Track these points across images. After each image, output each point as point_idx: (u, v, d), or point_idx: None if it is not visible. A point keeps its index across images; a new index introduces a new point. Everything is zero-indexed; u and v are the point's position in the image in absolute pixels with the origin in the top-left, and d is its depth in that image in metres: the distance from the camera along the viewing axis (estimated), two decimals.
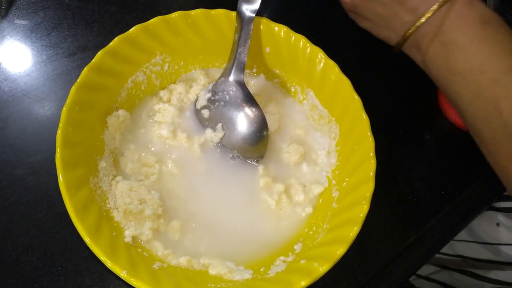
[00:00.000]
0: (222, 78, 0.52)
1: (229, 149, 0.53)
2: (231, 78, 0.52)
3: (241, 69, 0.52)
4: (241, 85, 0.52)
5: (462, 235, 0.74)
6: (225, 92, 0.52)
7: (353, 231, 0.44)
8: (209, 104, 0.53)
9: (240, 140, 0.52)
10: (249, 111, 0.52)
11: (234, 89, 0.52)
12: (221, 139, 0.53)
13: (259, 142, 0.52)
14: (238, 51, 0.51)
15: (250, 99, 0.52)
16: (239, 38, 0.51)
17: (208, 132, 0.53)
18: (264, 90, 0.58)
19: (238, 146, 0.53)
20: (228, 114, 0.52)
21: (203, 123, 0.54)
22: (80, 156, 0.45)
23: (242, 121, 0.52)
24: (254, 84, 0.58)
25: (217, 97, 0.53)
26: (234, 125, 0.52)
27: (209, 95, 0.53)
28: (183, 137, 0.52)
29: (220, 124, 0.53)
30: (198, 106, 0.54)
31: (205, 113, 0.53)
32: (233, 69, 0.52)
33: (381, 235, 0.54)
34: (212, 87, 0.53)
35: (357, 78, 0.52)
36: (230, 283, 0.44)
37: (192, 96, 0.55)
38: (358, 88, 0.51)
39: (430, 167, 0.59)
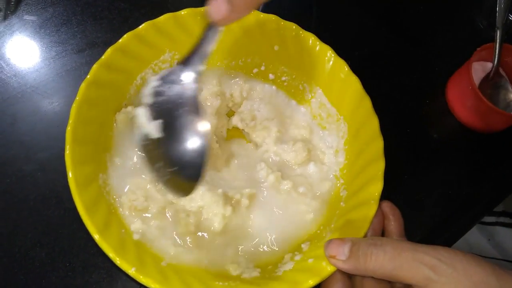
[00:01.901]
0: (177, 67, 0.41)
1: (156, 166, 0.41)
2: (186, 70, 0.40)
3: (201, 59, 0.40)
4: (193, 82, 0.40)
5: (493, 252, 0.74)
6: (172, 86, 0.40)
7: (361, 230, 0.44)
8: (154, 94, 0.41)
9: (173, 155, 0.40)
10: (192, 122, 0.39)
11: (183, 86, 0.40)
12: (159, 142, 0.40)
13: (192, 167, 0.39)
14: (207, 34, 0.39)
15: (196, 108, 0.40)
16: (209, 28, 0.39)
17: (149, 125, 0.40)
18: (266, 95, 0.58)
19: (168, 163, 0.40)
20: (169, 115, 0.40)
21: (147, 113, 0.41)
22: (89, 153, 0.45)
23: (181, 131, 0.40)
24: (254, 88, 0.58)
25: (163, 88, 0.40)
26: (172, 132, 0.40)
27: (156, 83, 0.41)
28: None
29: (159, 122, 0.40)
30: (146, 92, 0.41)
31: (148, 99, 0.41)
32: (193, 58, 0.40)
33: None
34: (165, 75, 0.41)
35: (365, 76, 0.52)
36: (238, 281, 0.44)
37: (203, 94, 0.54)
38: (366, 86, 0.51)
39: (438, 166, 0.59)
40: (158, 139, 0.40)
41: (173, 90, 0.40)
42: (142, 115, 0.40)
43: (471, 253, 0.36)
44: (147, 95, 0.41)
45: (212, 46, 0.39)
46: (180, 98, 0.39)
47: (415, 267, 0.36)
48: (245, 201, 0.49)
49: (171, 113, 0.39)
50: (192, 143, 0.39)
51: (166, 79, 0.40)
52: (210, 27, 0.38)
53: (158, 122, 0.40)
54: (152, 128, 0.40)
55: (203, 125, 0.39)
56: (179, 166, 0.40)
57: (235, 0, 0.31)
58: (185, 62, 0.40)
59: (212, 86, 0.55)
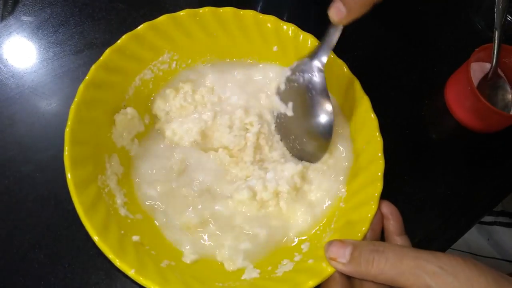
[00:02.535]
0: (306, 59, 0.49)
1: (289, 139, 0.52)
2: (314, 61, 0.48)
3: (327, 51, 0.47)
4: (320, 71, 0.48)
5: (491, 252, 0.74)
6: (302, 74, 0.49)
7: (361, 231, 0.44)
8: (287, 81, 0.51)
9: (304, 130, 0.50)
10: (320, 102, 0.48)
11: (312, 74, 0.48)
12: (287, 119, 0.51)
13: (321, 139, 0.49)
14: (331, 31, 0.46)
15: (324, 91, 0.48)
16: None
17: (282, 106, 0.51)
18: None
19: (300, 136, 0.50)
20: (300, 98, 0.50)
21: (280, 97, 0.52)
22: (88, 154, 0.45)
23: (311, 110, 0.48)
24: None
25: (294, 76, 0.50)
26: (303, 111, 0.50)
27: (288, 73, 0.51)
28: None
29: (291, 104, 0.51)
30: (280, 83, 0.52)
31: (282, 86, 0.52)
32: (320, 50, 0.48)
33: None
34: (295, 66, 0.50)
35: (364, 77, 0.52)
36: (238, 282, 0.44)
37: (198, 97, 0.54)
38: (365, 87, 0.51)
39: (437, 166, 0.59)
40: (291, 117, 0.50)
41: (304, 78, 0.48)
42: (277, 100, 0.52)
43: (473, 260, 0.36)
44: (281, 83, 0.51)
45: (334, 41, 0.46)
46: (310, 84, 0.48)
47: (416, 274, 0.36)
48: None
49: (303, 96, 0.48)
50: (320, 119, 0.48)
51: (297, 69, 0.49)
52: (332, 26, 0.44)
53: (291, 104, 0.50)
54: (286, 109, 0.51)
55: (329, 105, 0.47)
56: (310, 137, 0.49)
57: (350, 4, 0.36)
58: (312, 55, 0.48)
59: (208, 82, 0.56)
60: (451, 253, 0.37)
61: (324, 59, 0.47)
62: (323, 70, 0.47)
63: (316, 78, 0.47)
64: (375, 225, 0.46)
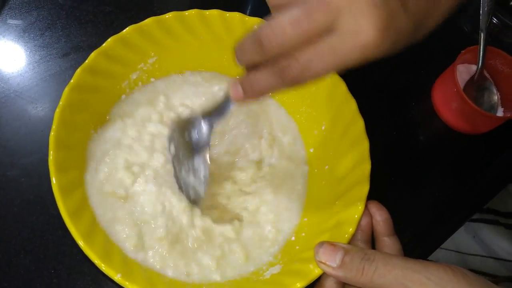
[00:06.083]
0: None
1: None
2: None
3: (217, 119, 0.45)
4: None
5: (477, 249, 0.74)
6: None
7: (348, 232, 0.44)
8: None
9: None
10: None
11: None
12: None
13: None
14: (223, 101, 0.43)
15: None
16: None
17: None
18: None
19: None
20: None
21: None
22: (73, 159, 0.45)
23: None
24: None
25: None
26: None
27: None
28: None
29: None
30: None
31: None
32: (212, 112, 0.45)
33: None
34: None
35: (350, 79, 0.52)
36: (226, 286, 0.44)
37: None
38: (352, 89, 0.51)
39: (424, 168, 0.60)
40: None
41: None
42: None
43: (462, 270, 0.36)
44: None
45: (227, 113, 0.43)
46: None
47: (403, 285, 0.36)
48: None
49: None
50: None
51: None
52: (228, 99, 0.42)
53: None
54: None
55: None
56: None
57: (246, 89, 0.36)
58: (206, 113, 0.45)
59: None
60: (440, 263, 0.37)
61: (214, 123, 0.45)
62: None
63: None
64: (365, 226, 0.46)
